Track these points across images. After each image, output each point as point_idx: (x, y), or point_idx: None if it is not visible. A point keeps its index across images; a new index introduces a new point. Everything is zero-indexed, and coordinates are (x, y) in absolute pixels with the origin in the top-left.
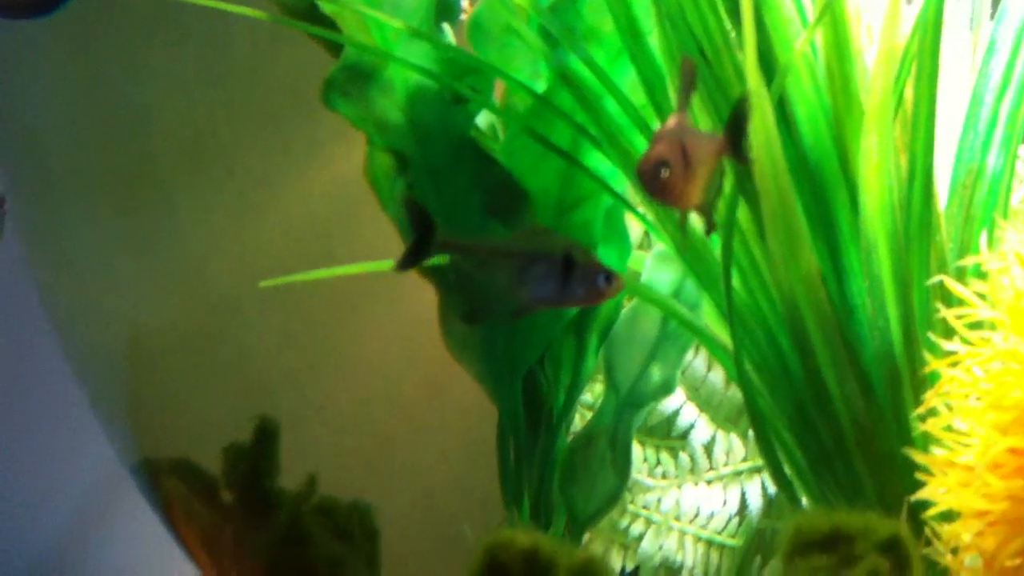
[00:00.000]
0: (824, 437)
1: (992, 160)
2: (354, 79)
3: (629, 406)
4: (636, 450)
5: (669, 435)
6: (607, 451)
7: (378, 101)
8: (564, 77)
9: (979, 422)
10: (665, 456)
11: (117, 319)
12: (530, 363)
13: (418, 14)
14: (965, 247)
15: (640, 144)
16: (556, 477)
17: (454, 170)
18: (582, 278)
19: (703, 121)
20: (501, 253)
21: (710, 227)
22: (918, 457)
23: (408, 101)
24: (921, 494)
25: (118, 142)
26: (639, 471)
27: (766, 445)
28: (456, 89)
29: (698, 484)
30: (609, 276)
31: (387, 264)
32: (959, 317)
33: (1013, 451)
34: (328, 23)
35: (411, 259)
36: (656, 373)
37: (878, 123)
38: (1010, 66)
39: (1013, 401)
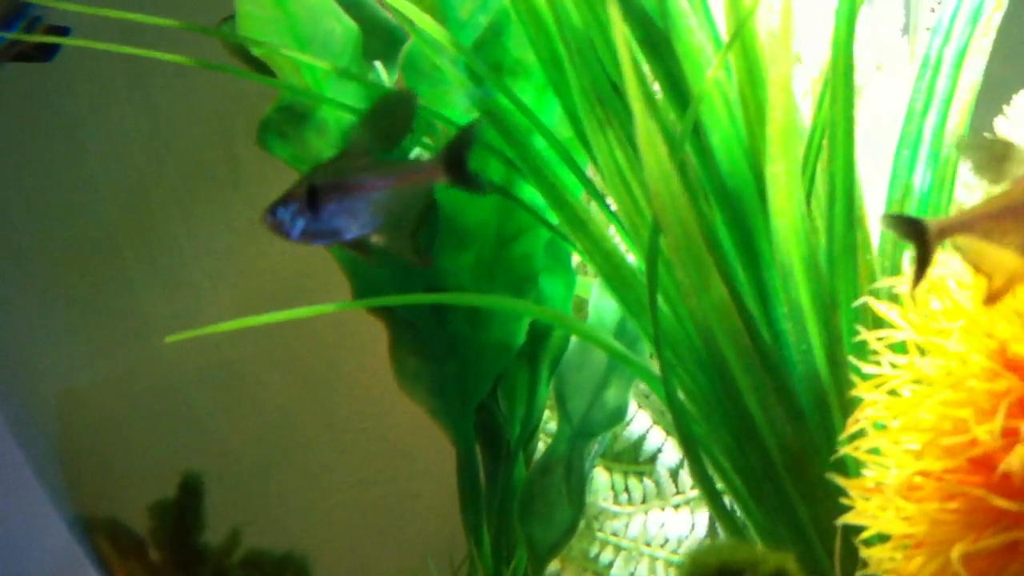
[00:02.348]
0: (754, 463)
1: (919, 178)
2: (289, 120)
3: (582, 435)
4: (603, 476)
5: (636, 460)
6: (563, 482)
7: (313, 142)
8: (489, 114)
9: (894, 446)
10: (633, 481)
11: (50, 377)
12: (481, 396)
13: (346, 54)
14: (898, 267)
15: (568, 178)
16: (515, 509)
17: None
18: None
19: (619, 154)
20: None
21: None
22: (841, 481)
23: (343, 140)
24: (847, 518)
25: (53, 206)
26: (606, 498)
27: (699, 472)
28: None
29: (665, 509)
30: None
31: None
32: (880, 339)
33: (929, 474)
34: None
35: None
36: (607, 401)
37: (782, 149)
38: (932, 81)
39: (926, 424)
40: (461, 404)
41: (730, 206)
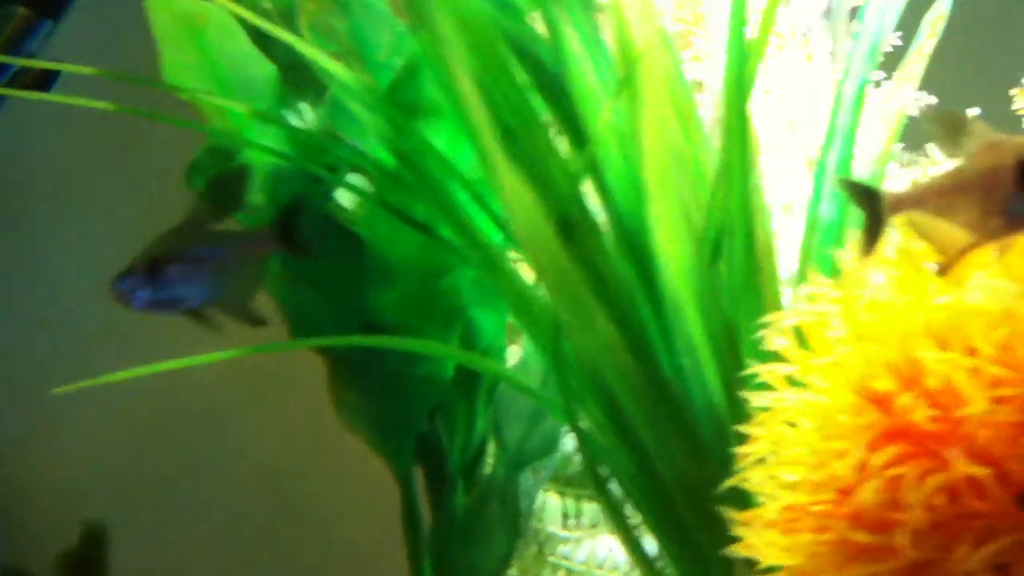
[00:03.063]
0: (654, 495)
1: (824, 209)
2: (217, 162)
3: (518, 464)
4: (555, 501)
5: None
6: (500, 510)
7: None
8: (403, 156)
9: (770, 479)
10: (586, 506)
11: None
12: (417, 428)
13: (267, 97)
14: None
15: (482, 219)
16: (455, 538)
17: (320, 246)
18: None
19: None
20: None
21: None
22: (730, 514)
23: (267, 182)
24: (735, 550)
25: None
26: (556, 522)
27: (606, 503)
28: (309, 168)
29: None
30: None
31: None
32: (768, 373)
33: (795, 508)
34: None
35: None
36: (543, 430)
37: (661, 189)
38: (834, 116)
39: (798, 458)
40: (399, 436)
41: (628, 243)
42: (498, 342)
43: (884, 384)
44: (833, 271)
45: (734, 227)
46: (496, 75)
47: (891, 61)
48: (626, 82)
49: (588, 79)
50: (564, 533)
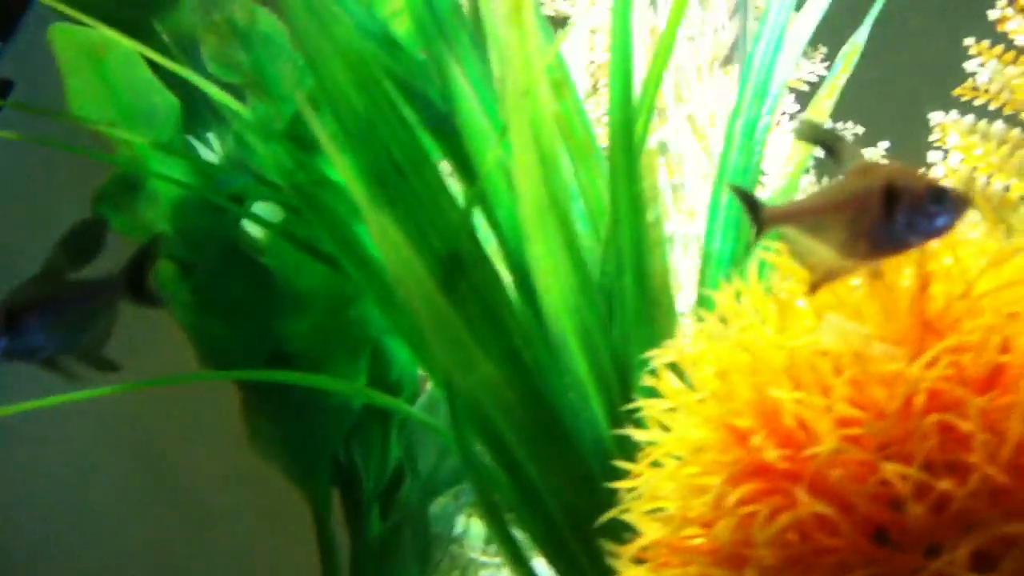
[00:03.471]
0: (540, 527)
1: (717, 244)
2: (123, 191)
3: (430, 493)
4: (478, 526)
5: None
6: (413, 537)
7: (145, 212)
8: (301, 188)
9: (642, 513)
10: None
11: None
12: (329, 454)
13: (169, 127)
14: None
15: (375, 251)
16: (371, 564)
17: (227, 275)
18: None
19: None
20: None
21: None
22: (609, 546)
23: (173, 211)
24: None
25: None
26: (477, 549)
27: (498, 534)
28: (213, 199)
29: (537, 558)
30: None
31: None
32: (646, 407)
33: (659, 543)
34: None
35: None
36: (454, 458)
37: (539, 229)
38: (724, 155)
39: (666, 492)
40: (311, 463)
41: (521, 278)
42: (411, 371)
43: (744, 422)
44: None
45: (624, 263)
46: (383, 113)
47: None
48: (510, 122)
49: (477, 117)
50: (485, 559)
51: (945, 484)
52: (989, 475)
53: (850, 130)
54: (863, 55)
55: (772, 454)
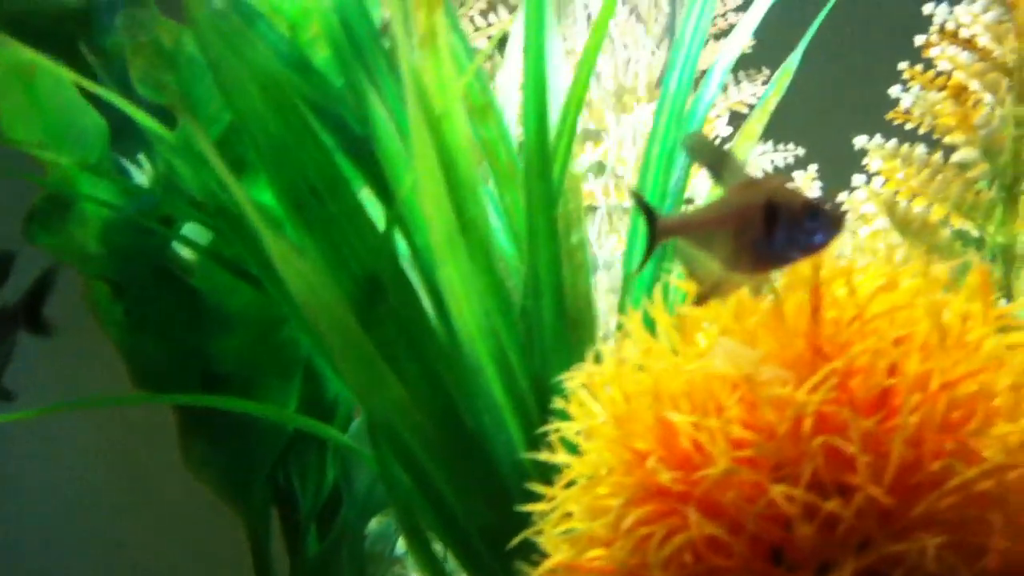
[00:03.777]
0: (459, 547)
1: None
2: (54, 211)
3: (366, 513)
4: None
5: None
6: (348, 559)
7: (76, 233)
8: (225, 210)
9: (550, 534)
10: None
11: None
12: (262, 476)
13: (97, 149)
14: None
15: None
16: None
17: (158, 296)
18: None
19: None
20: None
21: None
22: (525, 568)
23: (103, 232)
24: None
25: None
26: (417, 569)
27: (419, 555)
28: (141, 221)
29: None
30: None
31: None
32: (556, 432)
33: (577, 562)
34: None
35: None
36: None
37: (450, 253)
38: (642, 177)
39: (575, 512)
40: (245, 484)
41: (437, 302)
42: (346, 392)
43: (643, 444)
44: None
45: (542, 287)
46: (299, 137)
47: None
48: (415, 149)
49: (394, 141)
50: None
51: (831, 504)
52: (874, 496)
53: (790, 151)
54: (806, 80)
55: (665, 476)
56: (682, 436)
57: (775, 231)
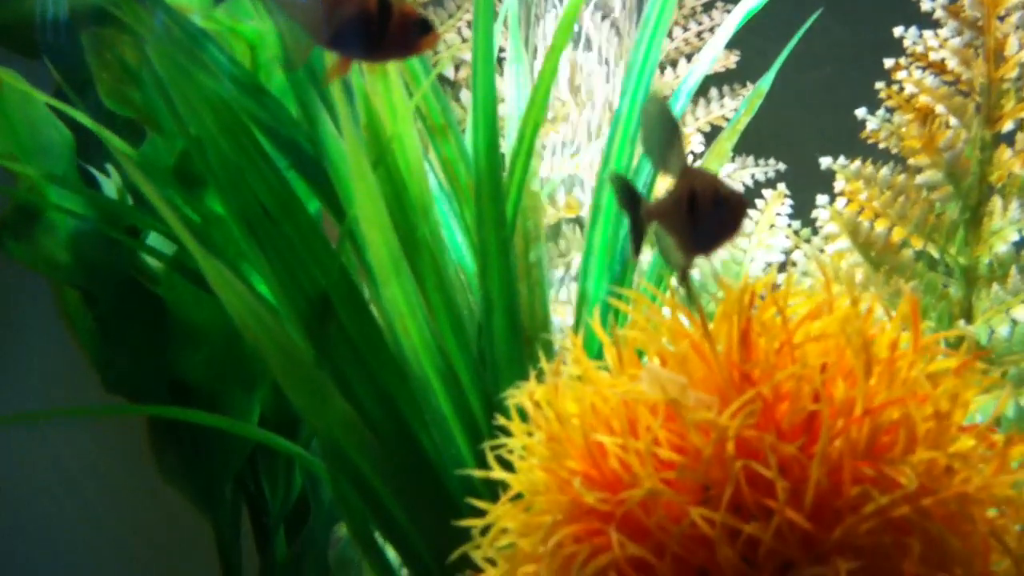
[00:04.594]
0: (411, 562)
1: (591, 285)
2: (23, 220)
3: (330, 522)
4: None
5: None
6: (314, 564)
7: (44, 242)
8: (189, 224)
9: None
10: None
11: None
12: (228, 482)
13: (64, 160)
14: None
15: (260, 287)
16: None
17: (125, 306)
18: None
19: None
20: None
21: None
22: None
23: (71, 242)
24: None
25: None
26: None
27: (372, 561)
28: (107, 231)
29: None
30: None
31: None
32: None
33: None
34: None
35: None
36: None
37: (393, 272)
38: (596, 199)
39: (511, 529)
40: (211, 489)
41: (387, 320)
42: None
43: (574, 464)
44: (596, 345)
45: (494, 305)
46: (251, 157)
47: None
48: (352, 174)
49: (345, 163)
50: None
51: (751, 527)
52: (793, 519)
53: (771, 167)
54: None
55: (590, 497)
56: (611, 457)
57: (695, 217)
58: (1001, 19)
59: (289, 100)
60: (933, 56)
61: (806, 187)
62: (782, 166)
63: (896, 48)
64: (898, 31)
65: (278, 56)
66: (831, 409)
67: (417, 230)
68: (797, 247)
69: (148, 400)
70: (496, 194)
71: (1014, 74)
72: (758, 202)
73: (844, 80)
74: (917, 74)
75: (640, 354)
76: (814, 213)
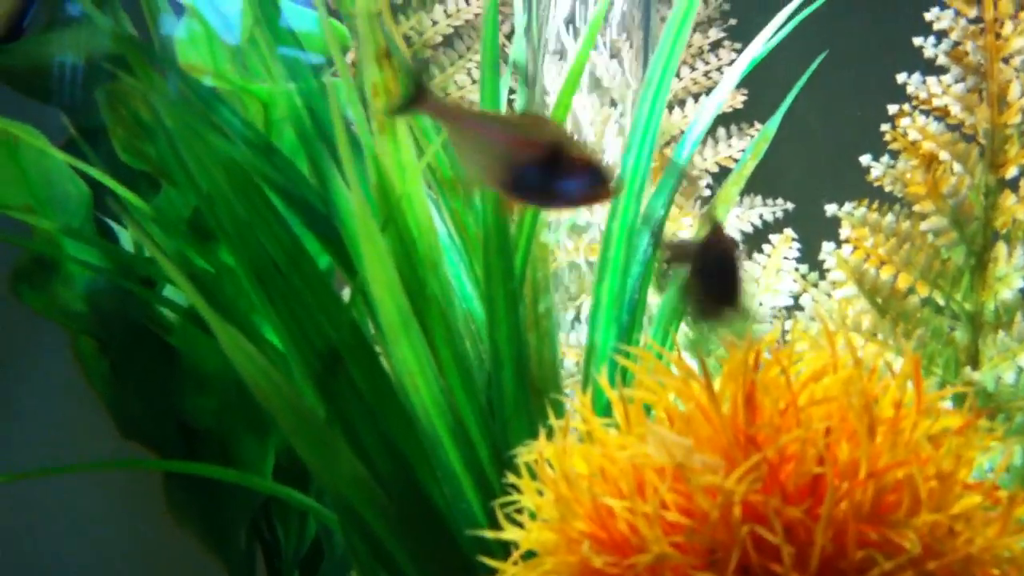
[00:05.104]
0: None
1: (599, 338)
2: (40, 271)
3: (343, 567)
4: None
5: None
6: None
7: (61, 292)
8: (199, 276)
9: None
10: None
11: None
12: (242, 525)
13: (79, 214)
14: None
15: (271, 337)
16: None
17: (139, 354)
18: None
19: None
20: None
21: None
22: None
23: (87, 293)
24: None
25: None
26: None
27: None
28: (122, 283)
29: None
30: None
31: None
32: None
33: None
34: None
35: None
36: None
37: (403, 332)
38: (604, 251)
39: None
40: (224, 533)
41: (398, 376)
42: None
43: (582, 525)
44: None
45: (503, 358)
46: (262, 215)
47: None
48: (385, 227)
49: (353, 220)
50: None
51: None
52: None
53: (780, 207)
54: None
55: (599, 560)
56: (619, 519)
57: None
58: (1005, 61)
59: (300, 159)
60: (936, 102)
61: (811, 226)
62: (790, 205)
63: (902, 91)
64: (901, 77)
65: (287, 115)
66: (835, 471)
67: (427, 287)
68: (805, 291)
69: (162, 445)
70: (504, 247)
71: (1017, 119)
72: (764, 246)
73: (849, 119)
74: (921, 119)
75: (647, 409)
76: (821, 255)
